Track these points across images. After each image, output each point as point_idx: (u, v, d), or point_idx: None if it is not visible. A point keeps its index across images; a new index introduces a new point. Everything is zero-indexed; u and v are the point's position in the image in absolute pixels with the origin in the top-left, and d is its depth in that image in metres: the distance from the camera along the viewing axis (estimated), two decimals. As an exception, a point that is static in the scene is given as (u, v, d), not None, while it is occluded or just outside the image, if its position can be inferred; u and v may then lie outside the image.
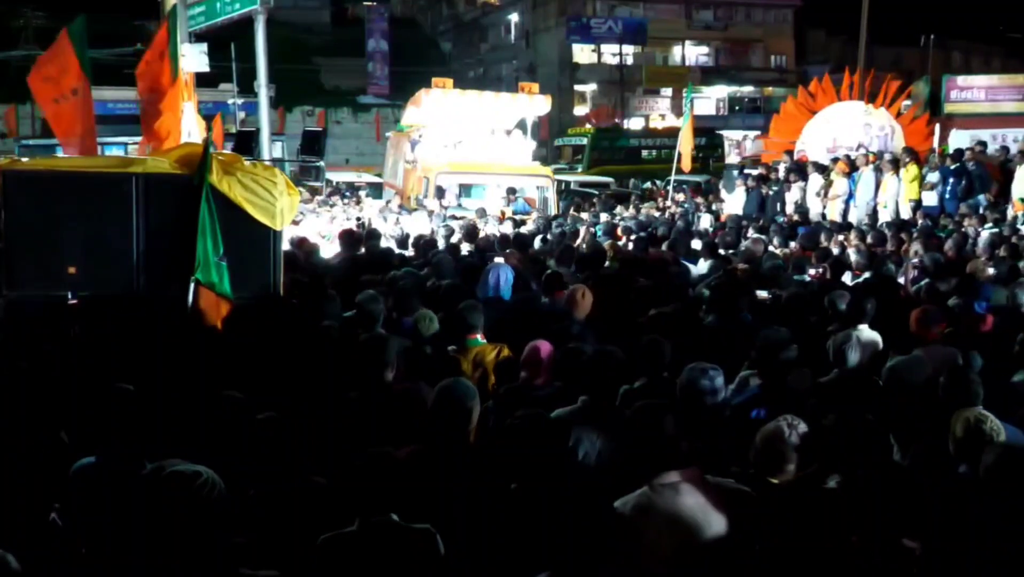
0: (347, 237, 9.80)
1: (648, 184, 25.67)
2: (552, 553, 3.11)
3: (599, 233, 12.68)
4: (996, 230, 11.05)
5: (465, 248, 10.51)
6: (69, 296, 5.95)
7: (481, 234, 11.42)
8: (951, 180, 14.83)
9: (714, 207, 17.72)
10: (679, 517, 3.13)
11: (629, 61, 49.24)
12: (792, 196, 16.20)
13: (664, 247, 10.32)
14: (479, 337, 5.83)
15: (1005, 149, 16.10)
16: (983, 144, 16.37)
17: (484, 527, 3.55)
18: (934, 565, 3.15)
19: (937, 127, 18.38)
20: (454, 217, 13.79)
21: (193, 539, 2.80)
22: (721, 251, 10.12)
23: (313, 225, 12.73)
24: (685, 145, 20.14)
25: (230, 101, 25.00)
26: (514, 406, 4.50)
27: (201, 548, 2.80)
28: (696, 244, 10.60)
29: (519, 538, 3.52)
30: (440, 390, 4.04)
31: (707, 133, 39.82)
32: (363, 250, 9.53)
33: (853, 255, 9.34)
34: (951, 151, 16.69)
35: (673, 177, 20.69)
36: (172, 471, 2.93)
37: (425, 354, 5.40)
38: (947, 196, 14.77)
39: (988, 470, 3.28)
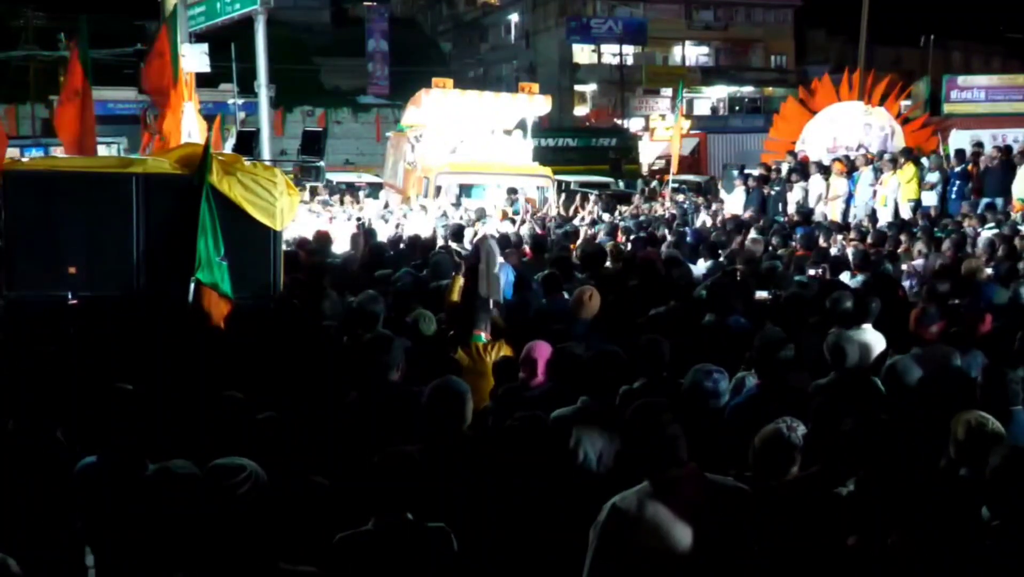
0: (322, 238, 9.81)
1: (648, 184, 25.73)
2: (548, 552, 3.12)
3: (600, 233, 12.68)
4: (996, 230, 11.05)
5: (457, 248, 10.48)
6: (69, 296, 5.95)
7: (480, 234, 11.39)
8: (958, 181, 14.81)
9: (713, 207, 17.74)
10: (677, 514, 3.13)
11: (629, 61, 49.21)
12: (794, 196, 16.20)
13: (664, 248, 10.33)
14: (483, 335, 5.87)
15: (1007, 149, 16.06)
16: (981, 145, 16.35)
17: (482, 526, 3.56)
18: (933, 566, 3.15)
19: (941, 132, 18.41)
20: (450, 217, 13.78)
21: (234, 533, 2.83)
22: (720, 251, 10.12)
23: (314, 226, 12.71)
24: (674, 147, 20.22)
25: (230, 101, 25.01)
26: (511, 406, 4.50)
27: (241, 542, 2.84)
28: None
29: (516, 537, 3.53)
30: (432, 389, 4.04)
31: (617, 133, 38.89)
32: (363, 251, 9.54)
33: (852, 255, 9.35)
34: (952, 151, 16.70)
35: (671, 177, 20.79)
36: (214, 465, 2.97)
37: (425, 354, 5.41)
38: (952, 196, 14.75)
39: (995, 471, 3.25)
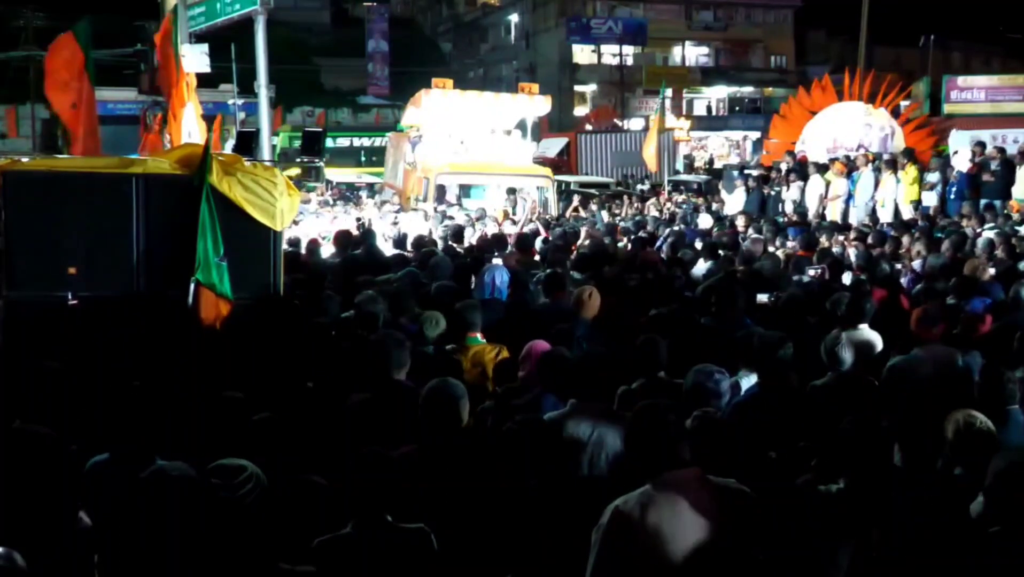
0: (342, 238, 9.86)
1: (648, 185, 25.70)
2: (549, 556, 3.11)
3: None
4: (996, 231, 11.06)
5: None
6: (69, 296, 5.95)
7: (479, 235, 11.41)
8: (959, 181, 14.80)
9: (714, 207, 17.75)
10: (680, 517, 3.13)
11: (629, 61, 49.23)
12: (790, 195, 16.20)
13: (662, 247, 10.34)
14: (478, 336, 5.84)
15: (1001, 150, 16.07)
16: (982, 144, 16.35)
17: (478, 527, 3.56)
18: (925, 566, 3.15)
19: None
20: (450, 218, 13.78)
21: (234, 533, 2.83)
22: (721, 252, 10.11)
23: (314, 226, 12.72)
24: (648, 145, 20.24)
25: (230, 101, 24.97)
26: (509, 406, 4.50)
27: (240, 543, 2.84)
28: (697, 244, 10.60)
29: (511, 538, 3.52)
30: (428, 391, 4.03)
31: None
32: (359, 251, 9.55)
33: (853, 255, 9.35)
34: (952, 152, 16.69)
35: (668, 178, 20.83)
36: (214, 465, 2.96)
37: (427, 355, 5.40)
38: (952, 196, 14.72)
39: (999, 476, 3.22)
